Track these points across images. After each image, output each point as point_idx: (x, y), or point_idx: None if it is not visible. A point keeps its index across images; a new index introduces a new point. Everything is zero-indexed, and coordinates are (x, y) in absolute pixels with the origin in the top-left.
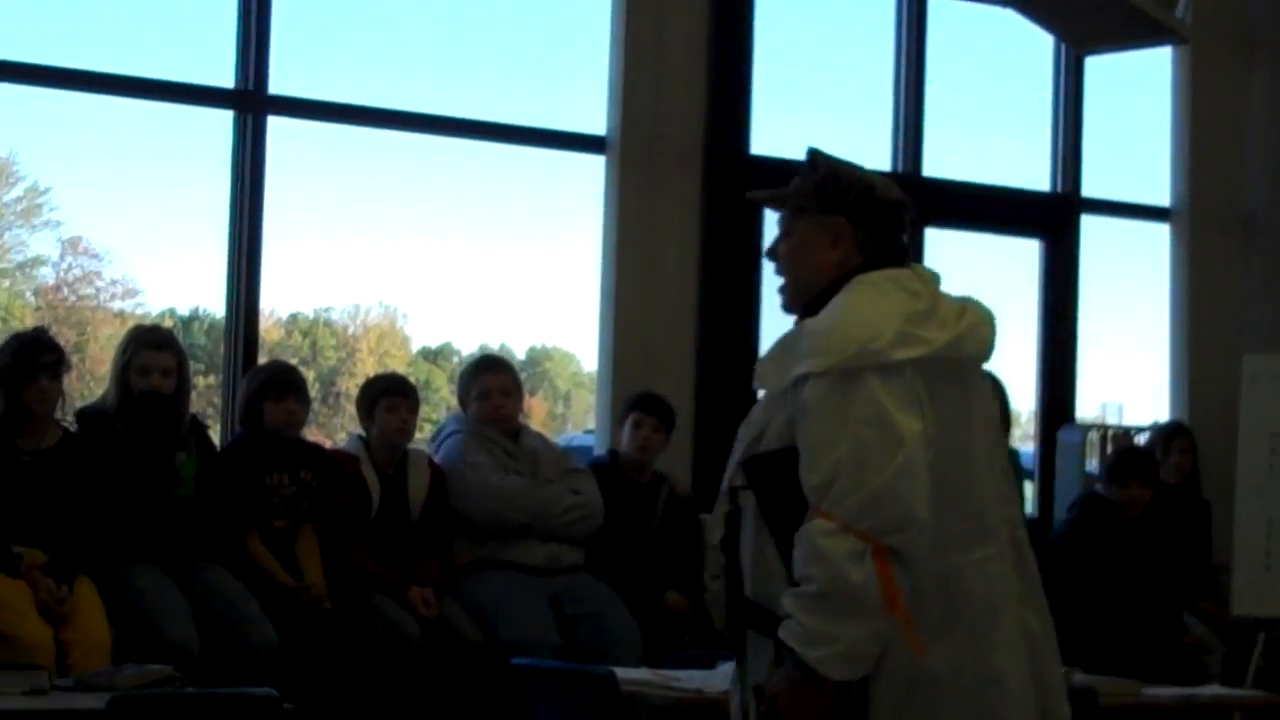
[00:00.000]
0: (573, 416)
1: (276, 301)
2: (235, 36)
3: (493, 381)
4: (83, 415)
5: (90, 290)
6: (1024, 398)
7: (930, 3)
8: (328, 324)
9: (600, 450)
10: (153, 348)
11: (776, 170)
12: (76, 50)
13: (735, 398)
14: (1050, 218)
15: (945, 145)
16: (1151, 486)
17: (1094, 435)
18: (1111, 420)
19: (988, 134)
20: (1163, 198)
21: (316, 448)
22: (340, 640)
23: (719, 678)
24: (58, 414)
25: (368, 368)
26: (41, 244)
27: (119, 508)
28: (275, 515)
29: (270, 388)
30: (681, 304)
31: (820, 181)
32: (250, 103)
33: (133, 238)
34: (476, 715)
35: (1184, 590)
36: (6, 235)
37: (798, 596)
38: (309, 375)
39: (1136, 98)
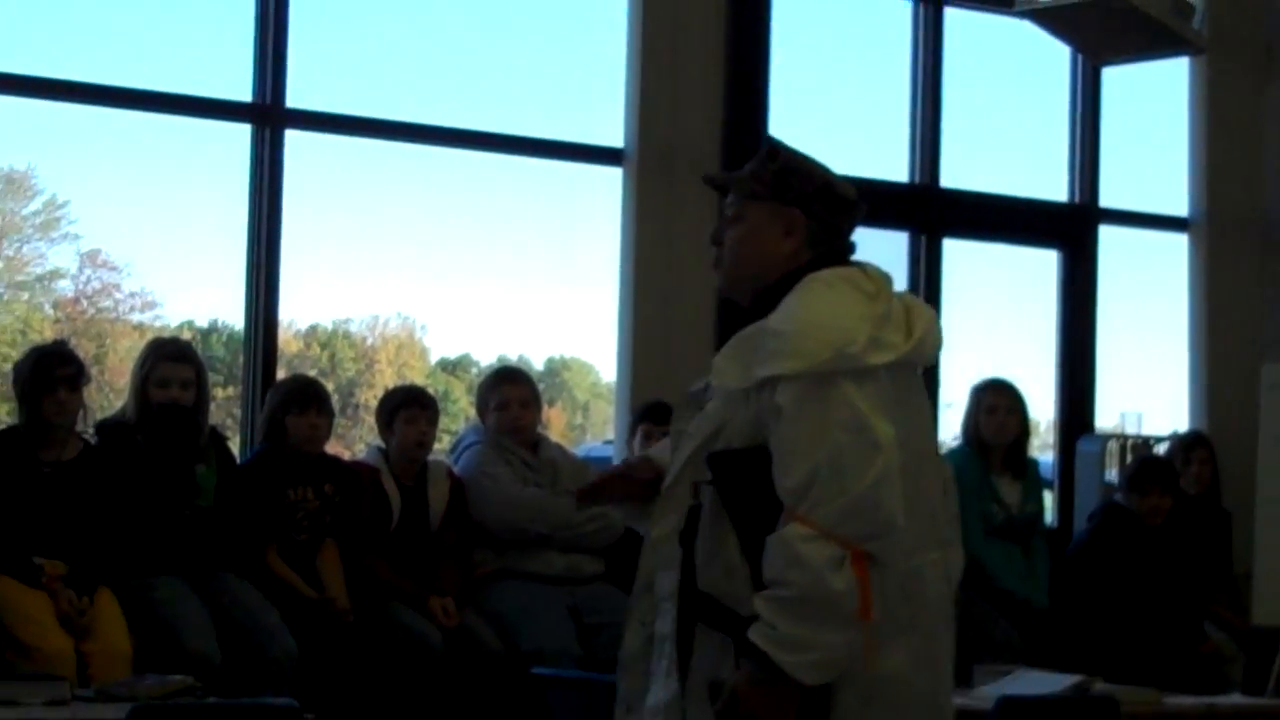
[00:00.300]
0: (591, 427)
1: (295, 313)
2: (253, 50)
3: (511, 393)
4: (102, 427)
5: (109, 303)
6: (1043, 408)
7: (946, 14)
8: (346, 335)
9: (619, 460)
10: (172, 360)
11: None
12: (95, 65)
13: None
14: (1068, 228)
15: (962, 156)
16: (1171, 496)
17: (1113, 445)
18: (1131, 430)
19: (1005, 145)
20: (1181, 208)
21: (338, 461)
22: (361, 650)
23: None
24: (79, 426)
25: (386, 379)
26: (60, 257)
27: (139, 519)
28: (298, 530)
29: (292, 401)
30: (699, 314)
31: (779, 171)
32: (268, 116)
33: (151, 250)
34: None
35: (1204, 599)
36: (25, 248)
37: (773, 600)
38: (328, 386)
39: (1154, 108)
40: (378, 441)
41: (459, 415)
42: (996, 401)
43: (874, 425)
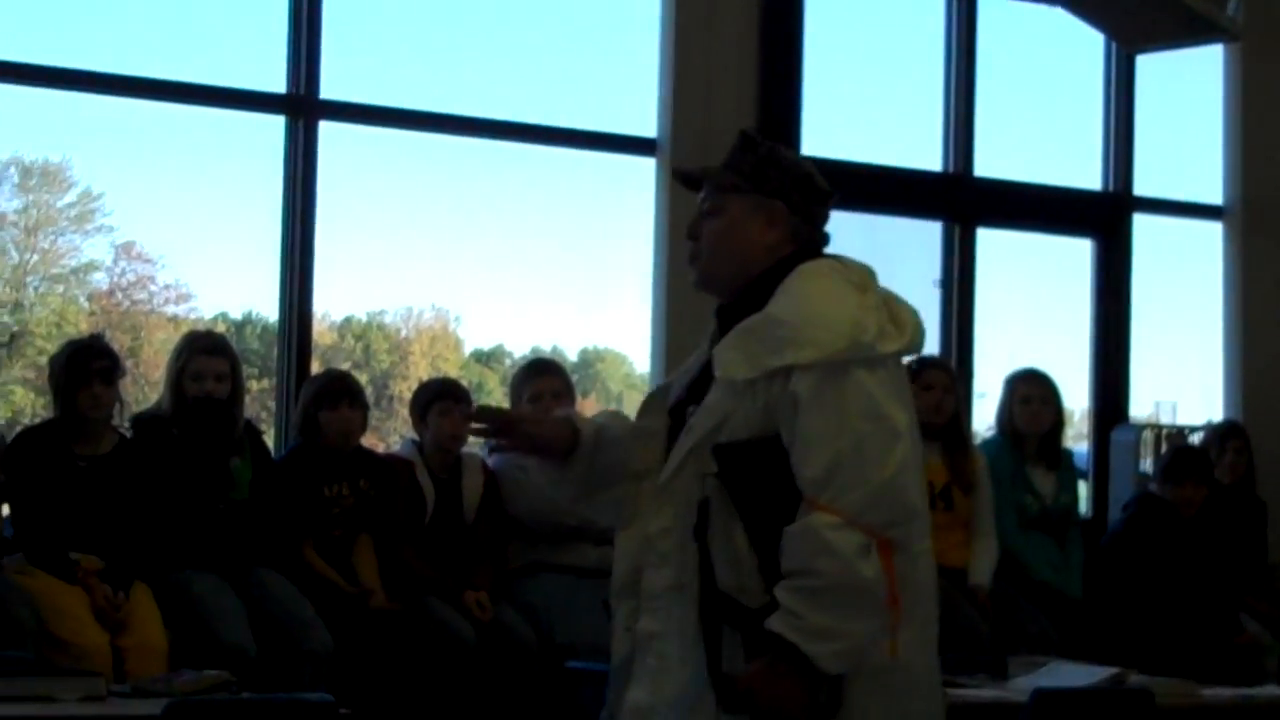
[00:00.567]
0: None
1: (329, 305)
2: (286, 42)
3: (543, 385)
4: (137, 421)
5: (144, 295)
6: (1077, 397)
7: (980, 2)
8: (380, 327)
9: None
10: (206, 353)
11: (828, 172)
12: (129, 57)
13: None
14: (1102, 217)
15: (996, 145)
16: (1206, 486)
17: (1148, 435)
18: (1165, 420)
19: (1039, 133)
20: (1215, 196)
21: (373, 455)
22: (396, 644)
23: None
24: (115, 420)
25: (420, 371)
26: (95, 249)
27: (174, 513)
28: (333, 525)
29: (325, 396)
30: None
31: (760, 162)
32: (302, 108)
33: (185, 242)
34: (531, 718)
35: (1240, 590)
36: (60, 241)
37: (800, 590)
38: (361, 378)
39: (1188, 95)
40: (412, 434)
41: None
42: (1031, 392)
43: (890, 413)
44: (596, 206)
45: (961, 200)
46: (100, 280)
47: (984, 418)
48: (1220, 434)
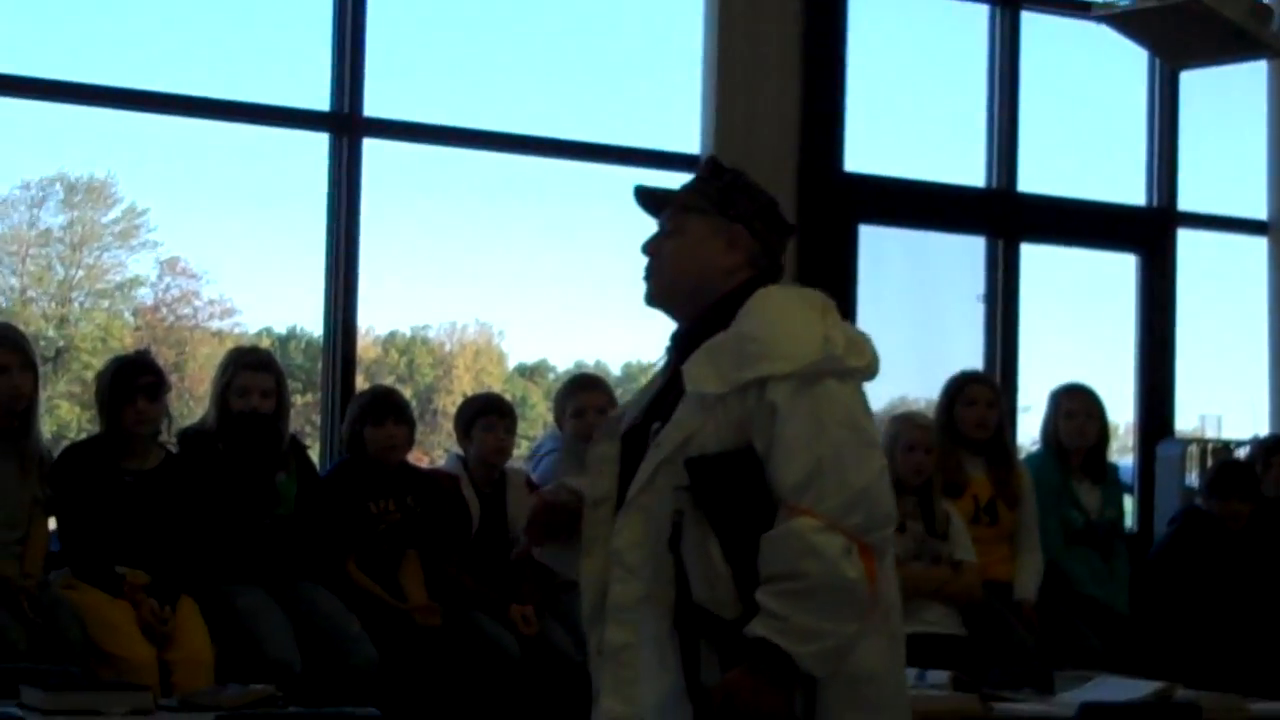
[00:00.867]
0: None
1: (373, 320)
2: (330, 60)
3: (587, 399)
4: (183, 436)
5: (188, 310)
6: (1122, 412)
7: (1023, 18)
8: (424, 342)
9: None
10: (252, 369)
11: (871, 187)
12: (173, 75)
13: None
14: (1147, 232)
15: (1040, 160)
16: (1252, 500)
17: (1193, 449)
18: (1210, 434)
19: (1083, 149)
20: (1260, 211)
21: (419, 471)
22: (441, 658)
23: None
24: (163, 436)
25: (464, 385)
26: (140, 265)
27: (221, 528)
28: (380, 541)
29: (369, 412)
30: None
31: (726, 187)
32: (345, 125)
33: (230, 258)
34: None
35: None
36: (105, 256)
37: (783, 593)
38: (405, 392)
39: (1232, 111)
40: (457, 449)
41: (537, 421)
42: (1075, 406)
43: (865, 423)
44: (639, 222)
45: (1005, 216)
46: (145, 295)
47: (1028, 432)
48: (1266, 448)
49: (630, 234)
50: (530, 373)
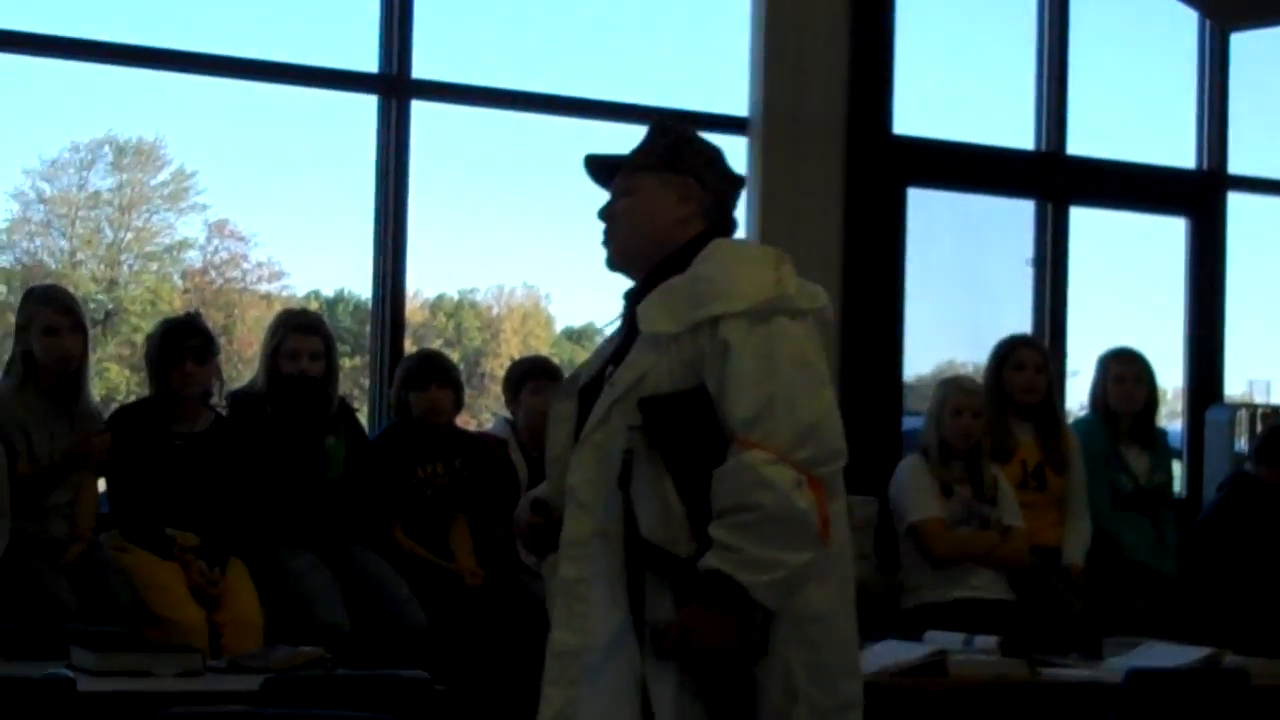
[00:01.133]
0: None
1: (421, 283)
2: (379, 21)
3: None
4: (233, 399)
5: (237, 273)
6: (1171, 376)
7: None
8: (472, 305)
9: None
10: (302, 331)
11: (919, 150)
12: (222, 37)
13: (880, 377)
14: (1196, 195)
15: (1089, 123)
16: None
17: (1243, 414)
18: (1260, 398)
19: (1132, 111)
20: None
21: (467, 434)
22: (489, 621)
23: (867, 659)
24: (214, 398)
25: (512, 348)
26: (188, 227)
27: (270, 491)
28: (428, 504)
29: (413, 376)
30: (825, 283)
31: (673, 144)
32: (394, 87)
33: (278, 221)
34: None
35: None
36: (154, 219)
37: (736, 525)
38: (453, 356)
39: None
40: (504, 412)
41: None
42: (1124, 370)
43: (816, 361)
44: None
45: (1054, 179)
46: (194, 258)
47: (1077, 397)
48: None
49: None
50: (577, 336)
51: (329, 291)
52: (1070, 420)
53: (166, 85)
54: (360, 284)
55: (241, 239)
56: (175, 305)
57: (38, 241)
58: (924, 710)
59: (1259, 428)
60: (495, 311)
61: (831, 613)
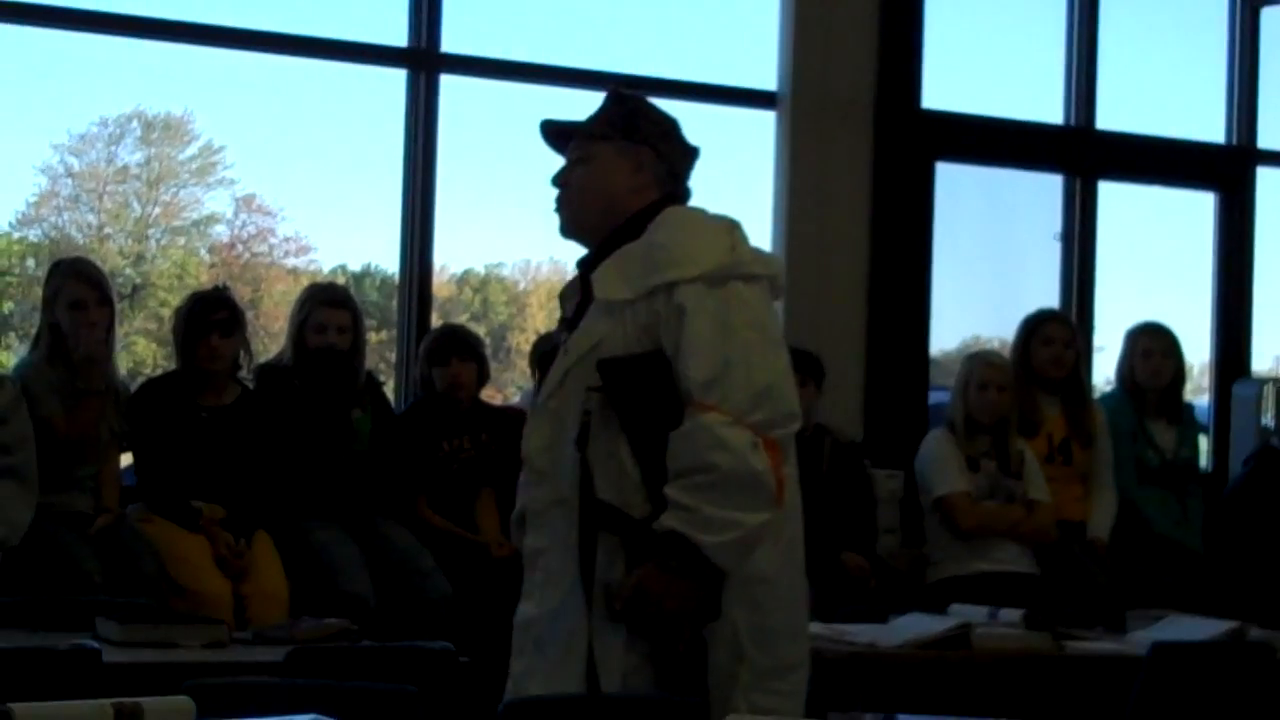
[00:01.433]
0: None
1: (448, 258)
2: None
3: None
4: (260, 372)
5: (264, 247)
6: (1198, 351)
7: None
8: (499, 280)
9: None
10: (329, 305)
11: (948, 124)
12: (251, 11)
13: (907, 351)
14: (1225, 170)
15: (1118, 98)
16: None
17: (1269, 389)
18: None
19: (1162, 86)
20: None
21: (492, 408)
22: (515, 592)
23: (892, 632)
24: (243, 372)
25: (538, 323)
26: (216, 202)
27: (296, 463)
28: (453, 479)
29: (435, 351)
30: (852, 258)
31: (629, 113)
32: (423, 61)
33: (306, 195)
34: None
35: None
36: (182, 193)
37: (692, 486)
38: (479, 330)
39: None
40: (529, 386)
41: None
42: (1151, 345)
43: (770, 325)
44: (715, 159)
45: (1083, 153)
46: (221, 233)
47: (1104, 371)
48: None
49: (705, 172)
50: None
51: (356, 266)
52: (1096, 396)
53: (195, 59)
54: (387, 258)
55: (269, 214)
56: (202, 280)
57: (66, 216)
58: (948, 682)
59: None
60: (522, 286)
61: (778, 575)
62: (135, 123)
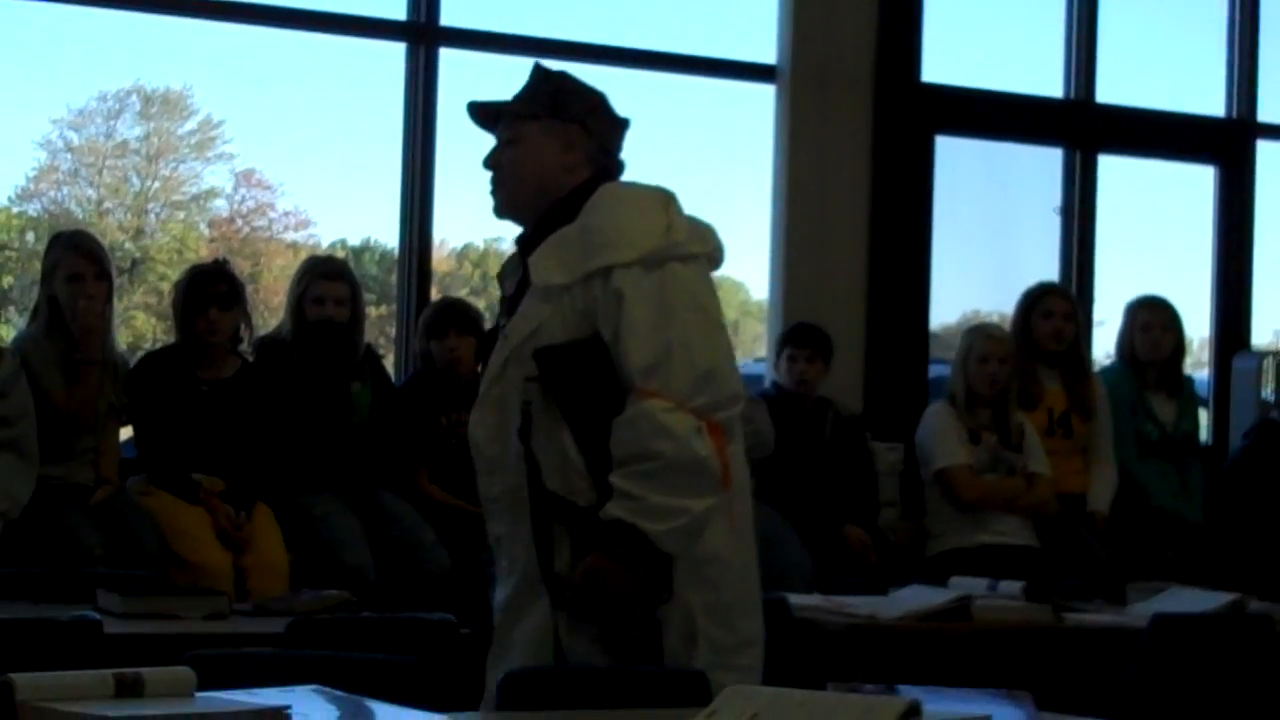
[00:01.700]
0: (741, 345)
1: (447, 232)
2: None
3: None
4: (259, 345)
5: (263, 222)
6: (1198, 325)
7: None
8: (498, 254)
9: (771, 378)
10: (327, 278)
11: (947, 98)
12: None
13: (907, 325)
14: (1225, 143)
15: (1118, 70)
16: None
17: (1269, 362)
18: None
19: (1161, 59)
20: None
21: None
22: None
23: (892, 604)
24: (244, 345)
25: None
26: (215, 176)
27: (296, 436)
28: (453, 453)
29: (433, 325)
30: (852, 231)
31: (555, 90)
32: (422, 34)
33: (305, 170)
34: None
35: None
36: (181, 168)
37: (637, 474)
38: (479, 305)
39: None
40: None
41: None
42: (1151, 318)
43: (710, 305)
44: (715, 133)
45: (1083, 127)
46: (220, 207)
47: (1104, 345)
48: None
49: (706, 145)
50: None
51: (356, 240)
52: (1096, 369)
53: (194, 33)
54: (387, 233)
55: (268, 188)
56: (202, 254)
57: (65, 190)
58: (948, 654)
59: None
60: None
61: (729, 552)
62: (134, 97)
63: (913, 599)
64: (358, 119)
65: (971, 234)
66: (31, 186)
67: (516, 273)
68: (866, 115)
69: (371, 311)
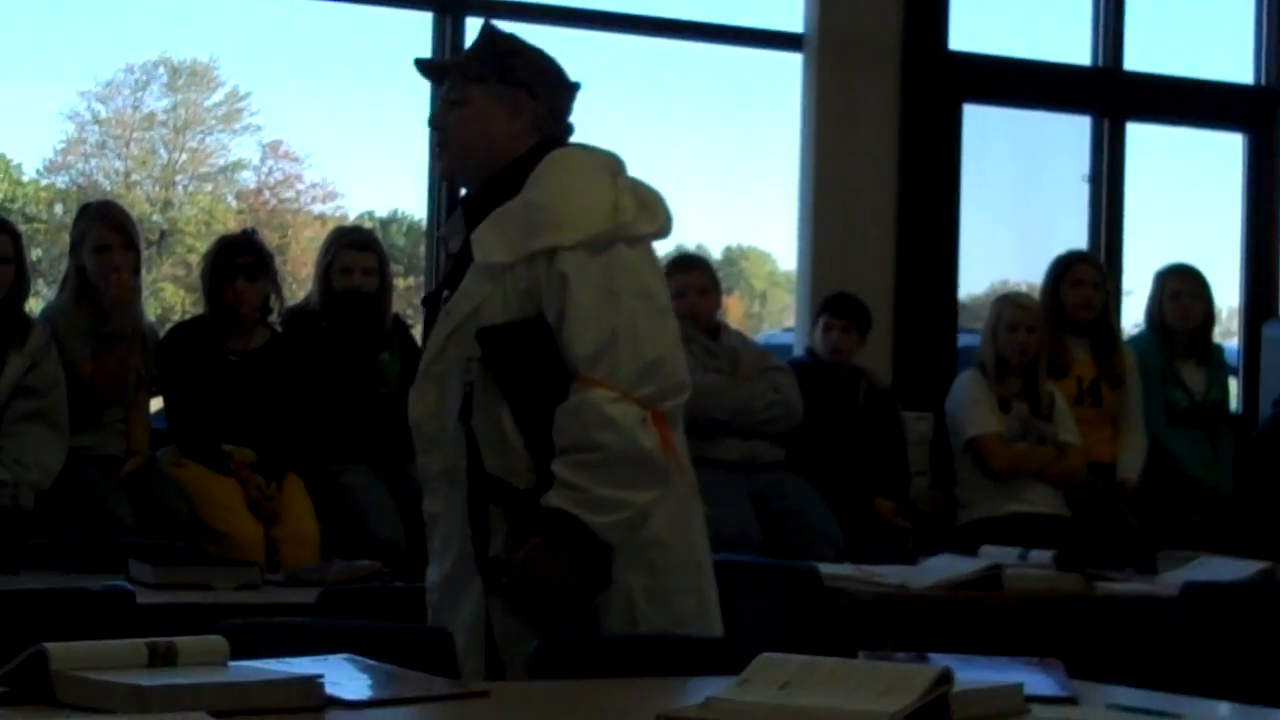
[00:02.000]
0: (769, 315)
1: None
2: None
3: (687, 280)
4: (288, 315)
5: (291, 193)
6: (1227, 294)
7: None
8: None
9: (800, 349)
10: (355, 248)
11: (975, 66)
12: None
13: (934, 295)
14: (1254, 111)
15: (1146, 38)
16: None
17: None
18: None
19: (1190, 26)
20: None
21: None
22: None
23: (922, 573)
24: (273, 316)
25: None
26: (242, 148)
27: (325, 406)
28: None
29: None
30: (880, 201)
31: (503, 54)
32: (450, 3)
33: (332, 141)
34: None
35: None
36: (209, 139)
37: (581, 464)
38: None
39: None
40: None
41: None
42: (1180, 287)
43: (657, 289)
44: (742, 102)
45: (1111, 94)
46: (248, 179)
47: (1132, 313)
48: None
49: (733, 114)
50: None
51: (383, 212)
52: (1125, 338)
53: (221, 5)
54: (414, 204)
55: (296, 159)
56: (229, 226)
57: (93, 162)
58: (979, 623)
59: None
60: None
61: (671, 535)
62: (162, 69)
63: (943, 568)
64: (385, 90)
65: (1000, 203)
66: (59, 159)
67: (461, 231)
68: (894, 84)
69: (399, 283)
